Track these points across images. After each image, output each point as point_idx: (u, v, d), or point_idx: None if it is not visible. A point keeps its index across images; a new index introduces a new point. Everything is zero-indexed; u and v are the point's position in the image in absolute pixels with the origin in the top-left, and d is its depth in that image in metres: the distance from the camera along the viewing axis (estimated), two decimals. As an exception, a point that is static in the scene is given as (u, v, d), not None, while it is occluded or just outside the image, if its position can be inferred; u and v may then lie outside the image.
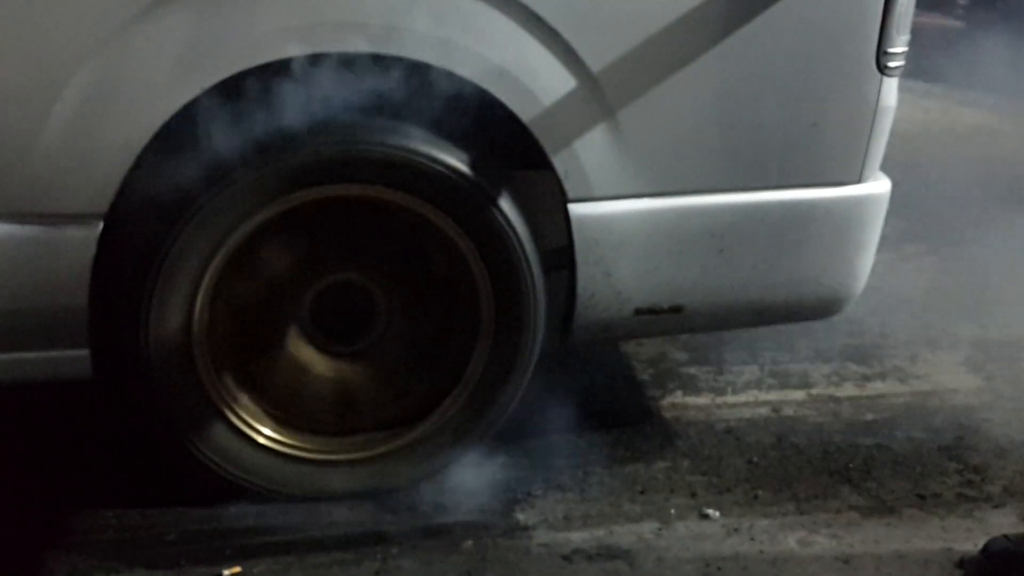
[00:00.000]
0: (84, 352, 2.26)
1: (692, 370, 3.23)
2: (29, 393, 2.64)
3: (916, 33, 2.54)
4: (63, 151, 2.12)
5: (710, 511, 2.54)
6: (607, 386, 3.09)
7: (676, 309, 2.53)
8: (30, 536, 2.32)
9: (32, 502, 2.43)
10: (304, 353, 2.45)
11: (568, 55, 2.26)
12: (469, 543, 2.37)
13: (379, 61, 2.22)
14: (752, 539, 2.45)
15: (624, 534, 2.44)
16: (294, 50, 2.15)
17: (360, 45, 2.20)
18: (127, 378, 2.28)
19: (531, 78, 2.26)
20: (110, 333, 2.26)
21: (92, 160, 2.14)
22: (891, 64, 2.45)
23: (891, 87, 2.49)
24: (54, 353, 2.26)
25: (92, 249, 2.18)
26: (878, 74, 2.45)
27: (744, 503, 2.58)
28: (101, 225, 2.18)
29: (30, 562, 2.25)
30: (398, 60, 2.22)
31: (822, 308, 2.70)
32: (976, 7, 9.81)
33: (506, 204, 2.34)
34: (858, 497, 2.63)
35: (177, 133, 2.18)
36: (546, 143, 2.32)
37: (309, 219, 2.34)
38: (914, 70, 3.28)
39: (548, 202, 2.41)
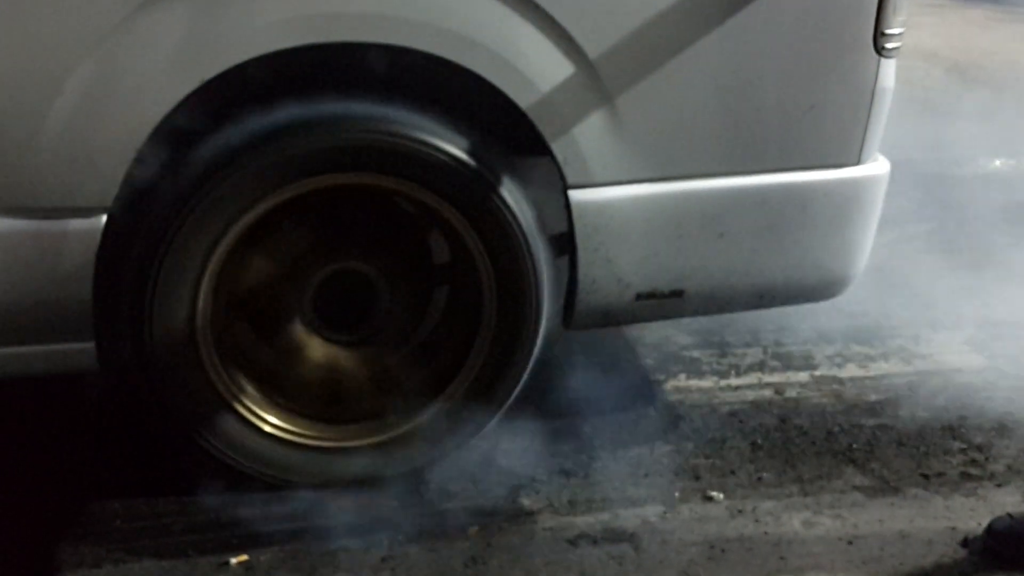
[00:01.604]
0: (90, 345, 2.27)
1: (695, 353, 3.24)
2: (36, 386, 2.66)
3: None
4: (65, 145, 2.13)
5: (714, 493, 2.55)
6: (610, 371, 3.10)
7: (677, 293, 2.53)
8: (38, 527, 2.34)
9: (40, 494, 2.45)
10: (307, 341, 2.46)
11: (565, 41, 2.27)
12: (474, 529, 2.39)
13: (377, 50, 2.23)
14: (756, 521, 2.46)
15: (629, 518, 2.45)
16: (291, 41, 2.16)
17: (358, 35, 2.20)
18: (133, 369, 2.30)
19: (529, 65, 2.27)
20: (115, 325, 2.27)
21: (94, 153, 2.15)
22: (888, 45, 2.45)
23: (889, 68, 2.49)
24: (60, 346, 2.27)
25: (96, 242, 2.19)
26: (876, 55, 2.45)
27: (748, 485, 2.60)
28: (105, 218, 2.19)
29: (38, 553, 2.27)
30: (396, 49, 2.22)
31: (823, 290, 2.71)
32: None
33: (507, 191, 2.34)
34: (862, 477, 2.64)
35: (179, 124, 2.19)
36: (545, 130, 2.32)
37: (310, 209, 2.35)
38: None
39: (548, 189, 2.42)
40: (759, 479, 2.62)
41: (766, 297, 2.66)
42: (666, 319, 2.73)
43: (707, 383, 3.08)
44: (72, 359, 2.28)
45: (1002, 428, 2.89)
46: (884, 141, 2.62)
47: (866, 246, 2.68)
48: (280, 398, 2.45)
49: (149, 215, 2.21)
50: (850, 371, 3.19)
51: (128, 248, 2.22)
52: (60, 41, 2.09)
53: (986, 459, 2.75)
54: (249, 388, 2.41)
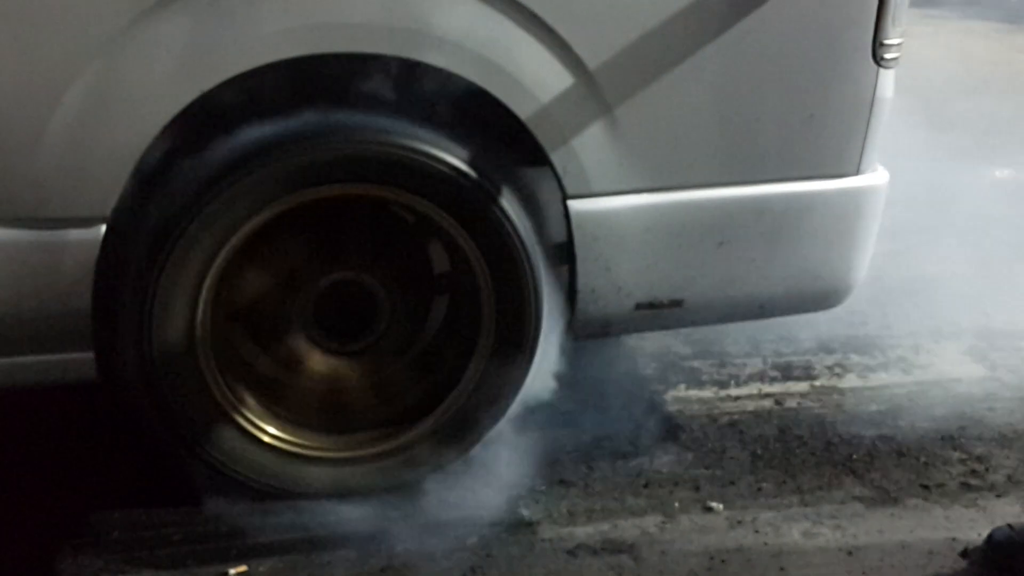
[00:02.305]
0: (89, 355, 2.27)
1: (695, 363, 3.24)
2: (35, 396, 2.66)
3: None
4: (65, 155, 2.13)
5: (714, 504, 2.55)
6: (610, 381, 3.10)
7: (676, 303, 2.53)
8: (37, 537, 2.34)
9: (39, 503, 2.45)
10: (307, 352, 2.46)
11: (564, 52, 2.27)
12: (474, 539, 2.38)
13: (377, 61, 2.23)
14: (756, 531, 2.46)
15: (628, 528, 2.45)
16: (291, 52, 2.16)
17: (358, 45, 2.21)
18: (132, 380, 2.29)
19: (528, 76, 2.27)
20: (114, 336, 2.27)
21: (94, 164, 2.15)
22: (887, 56, 2.46)
23: (888, 78, 2.49)
24: (59, 357, 2.27)
25: (95, 252, 2.19)
26: (874, 66, 2.46)
27: (748, 495, 2.59)
28: (104, 228, 2.19)
29: (37, 563, 2.27)
30: (396, 60, 2.23)
31: (822, 300, 2.71)
32: None
33: (506, 201, 2.34)
34: (862, 488, 2.64)
35: (178, 135, 2.19)
36: (544, 140, 2.32)
37: (310, 219, 2.35)
38: None
39: (548, 199, 2.42)
40: (759, 489, 2.62)
41: (766, 307, 2.66)
42: (666, 329, 2.73)
43: (707, 393, 3.08)
44: (72, 369, 2.28)
45: (1002, 438, 2.89)
46: (883, 151, 2.62)
47: (865, 256, 2.68)
48: (280, 409, 2.45)
49: (148, 225, 2.21)
50: (850, 381, 3.19)
51: (128, 258, 2.22)
52: (60, 52, 2.09)
53: (986, 470, 2.74)
54: (248, 399, 2.41)
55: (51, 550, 2.30)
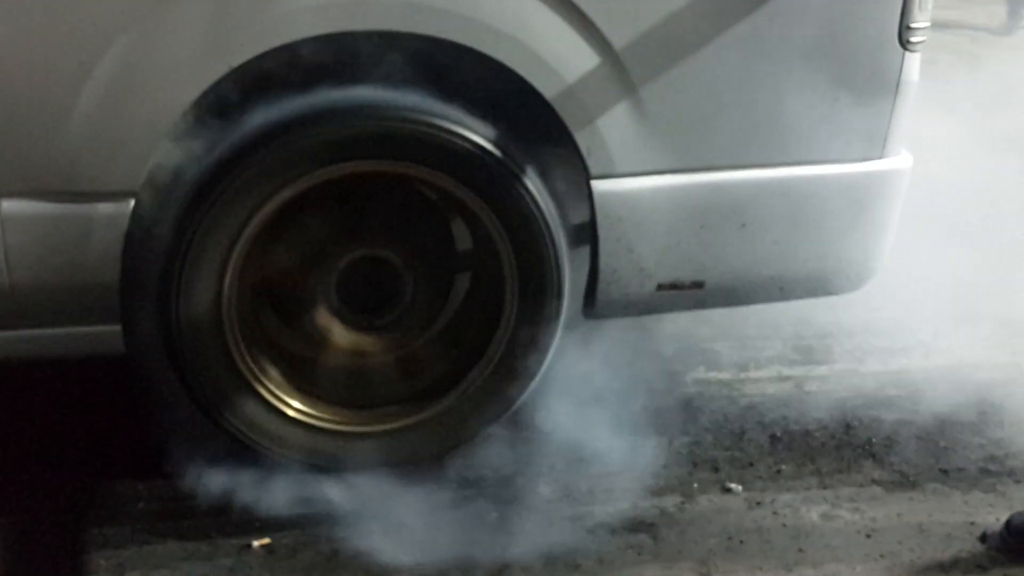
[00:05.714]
0: (116, 327, 2.30)
1: (715, 345, 3.24)
2: (63, 368, 2.68)
3: None
4: (94, 130, 2.15)
5: (733, 485, 2.56)
6: (630, 361, 3.10)
7: (698, 284, 2.54)
8: (63, 508, 2.37)
9: (65, 475, 2.48)
10: (331, 326, 2.48)
11: (590, 31, 2.27)
12: (493, 516, 2.40)
13: (403, 39, 2.24)
14: (775, 513, 2.47)
15: (647, 508, 2.46)
16: (319, 29, 2.17)
17: (385, 23, 2.21)
18: (158, 352, 2.32)
19: (553, 55, 2.28)
20: (142, 308, 2.29)
21: (123, 138, 2.18)
22: (913, 39, 2.45)
23: (914, 62, 2.49)
24: (87, 329, 2.30)
25: (124, 226, 2.21)
26: (901, 49, 2.45)
27: (767, 477, 2.60)
28: (132, 202, 2.21)
29: (62, 534, 2.30)
30: (421, 38, 2.23)
31: (844, 283, 2.71)
32: None
33: (530, 180, 2.35)
34: (881, 471, 2.65)
35: (207, 110, 2.21)
36: (569, 120, 2.33)
37: (335, 196, 2.37)
38: None
39: (572, 178, 2.43)
40: (778, 471, 2.63)
41: (787, 289, 2.66)
42: (687, 310, 2.73)
43: (727, 375, 3.09)
44: (99, 342, 2.31)
45: (1022, 424, 2.88)
46: (909, 136, 2.62)
47: (887, 240, 2.68)
48: (304, 382, 2.47)
49: (177, 199, 2.23)
50: (870, 365, 3.19)
51: (156, 232, 2.24)
52: (89, 27, 2.11)
53: (1005, 455, 2.74)
54: (273, 372, 2.43)
55: (77, 522, 2.33)
